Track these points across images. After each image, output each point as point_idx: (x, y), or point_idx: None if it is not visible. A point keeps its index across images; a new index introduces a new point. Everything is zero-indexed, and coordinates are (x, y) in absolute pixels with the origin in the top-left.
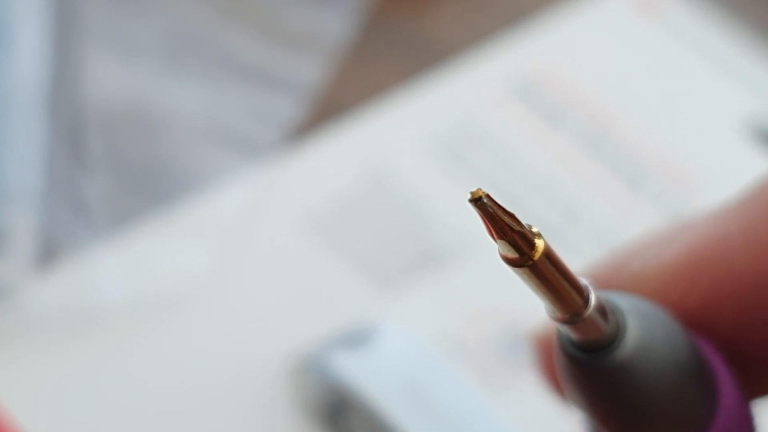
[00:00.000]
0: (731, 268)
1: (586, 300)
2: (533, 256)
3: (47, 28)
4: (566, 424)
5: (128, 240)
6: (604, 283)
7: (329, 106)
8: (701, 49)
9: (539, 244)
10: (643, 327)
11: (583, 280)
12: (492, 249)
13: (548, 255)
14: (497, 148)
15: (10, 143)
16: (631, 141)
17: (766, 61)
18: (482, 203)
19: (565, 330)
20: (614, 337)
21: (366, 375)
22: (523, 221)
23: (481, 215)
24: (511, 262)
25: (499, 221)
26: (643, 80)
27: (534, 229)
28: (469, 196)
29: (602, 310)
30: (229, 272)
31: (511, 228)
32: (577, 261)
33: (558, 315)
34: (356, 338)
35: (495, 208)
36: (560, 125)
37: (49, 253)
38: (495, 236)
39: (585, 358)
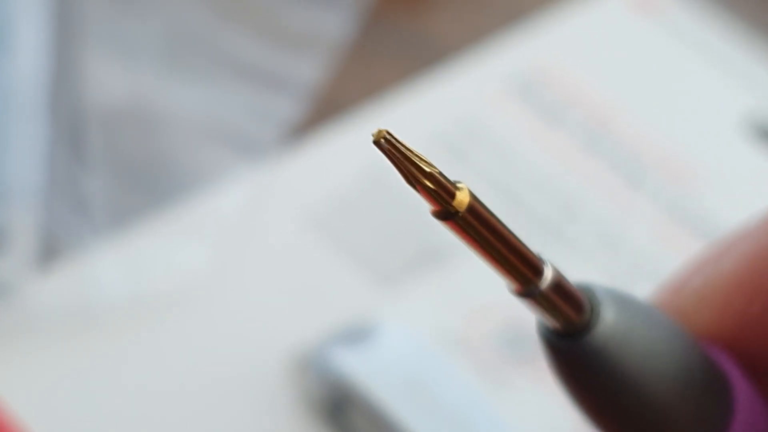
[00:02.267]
0: (756, 301)
1: (538, 271)
2: (456, 208)
3: (48, 27)
4: (566, 419)
5: (129, 238)
6: (668, 305)
7: (329, 105)
8: (699, 47)
9: (461, 195)
10: (622, 315)
11: (539, 253)
12: None
13: (473, 209)
14: (497, 146)
15: (11, 142)
16: (631, 138)
17: (764, 58)
18: (382, 145)
19: (529, 308)
20: (587, 322)
21: (367, 371)
22: (524, 217)
23: (389, 159)
24: (434, 214)
25: (407, 166)
26: (642, 78)
27: (460, 184)
28: (372, 135)
29: (566, 290)
30: (229, 270)
31: (424, 174)
32: (577, 257)
33: (513, 286)
34: (357, 335)
35: (402, 150)
36: (560, 123)
37: (50, 251)
38: (407, 182)
39: (559, 343)
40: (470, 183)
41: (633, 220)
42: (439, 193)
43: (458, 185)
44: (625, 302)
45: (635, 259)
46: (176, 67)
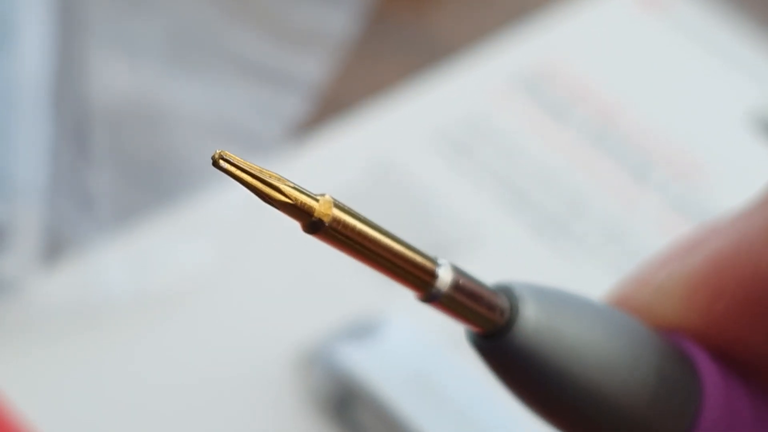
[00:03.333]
0: (757, 270)
1: (429, 272)
2: (320, 218)
3: (52, 25)
4: None
5: (133, 235)
6: (631, 298)
7: (334, 103)
8: (705, 43)
9: (321, 206)
10: (544, 311)
11: (435, 257)
12: (497, 242)
13: (339, 219)
14: (503, 143)
15: (16, 139)
16: (637, 134)
17: None
18: (222, 167)
19: (441, 313)
20: (506, 322)
21: (373, 367)
22: (525, 213)
23: (235, 180)
24: (303, 229)
25: (256, 186)
26: (648, 74)
27: (321, 196)
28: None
29: (475, 292)
30: (234, 267)
31: (277, 190)
32: (584, 253)
33: (414, 294)
34: (363, 330)
35: (245, 169)
36: (565, 120)
37: (55, 248)
38: (264, 201)
39: (483, 344)
40: (476, 180)
41: (639, 216)
42: (297, 207)
43: (318, 197)
44: (548, 298)
45: (642, 255)
46: (181, 65)
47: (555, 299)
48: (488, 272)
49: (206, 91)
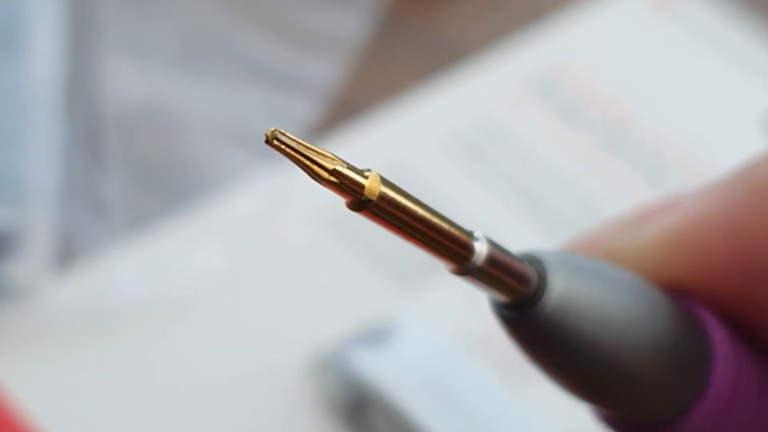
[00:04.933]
0: (707, 250)
1: (468, 248)
2: (367, 197)
3: (64, 29)
4: (588, 420)
5: (146, 240)
6: (602, 246)
7: (346, 106)
8: (718, 45)
9: (370, 183)
10: (573, 281)
11: (471, 230)
12: (510, 245)
13: (386, 196)
14: (516, 146)
15: (28, 144)
16: (650, 137)
17: None
18: (276, 144)
19: (472, 285)
20: (534, 292)
21: (387, 372)
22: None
23: (287, 158)
24: (348, 206)
25: (307, 164)
26: (661, 76)
27: (368, 172)
28: (265, 137)
29: (506, 263)
30: (247, 271)
31: (326, 169)
32: None
33: (448, 267)
34: (377, 336)
35: (297, 147)
36: (579, 122)
37: (68, 253)
38: (312, 179)
39: (510, 316)
40: (489, 183)
41: None
42: (346, 185)
43: (366, 173)
44: (574, 267)
45: None
46: (193, 69)
47: (580, 268)
48: None
49: (219, 95)
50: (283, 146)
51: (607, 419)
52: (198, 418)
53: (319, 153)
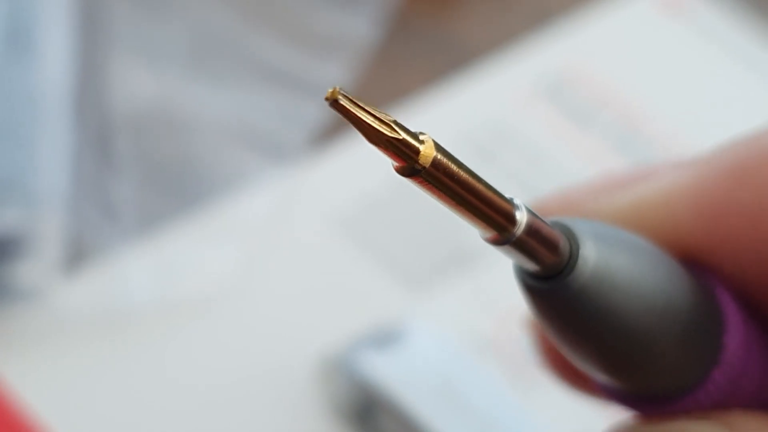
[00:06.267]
0: (676, 226)
1: (511, 218)
2: (422, 164)
3: (74, 32)
4: (599, 422)
5: (157, 242)
6: (585, 205)
7: None
8: (728, 47)
9: (426, 149)
10: (604, 253)
11: (511, 198)
12: None
13: (439, 162)
14: (526, 148)
15: (39, 146)
16: (660, 139)
17: None
18: (340, 104)
19: (504, 253)
20: (566, 263)
21: (395, 374)
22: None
23: (348, 119)
24: (398, 170)
25: (365, 125)
26: (671, 78)
27: (423, 136)
28: (326, 95)
29: (541, 233)
30: (257, 273)
31: (384, 132)
32: None
33: (487, 235)
34: (386, 338)
35: (360, 107)
36: (589, 124)
37: (78, 255)
38: (370, 141)
39: (539, 286)
40: (499, 184)
41: None
42: (402, 150)
43: (421, 137)
44: (608, 239)
45: None
46: (203, 71)
47: (608, 237)
48: (512, 277)
49: (228, 97)
50: (344, 105)
51: (621, 396)
52: (207, 420)
53: (379, 113)
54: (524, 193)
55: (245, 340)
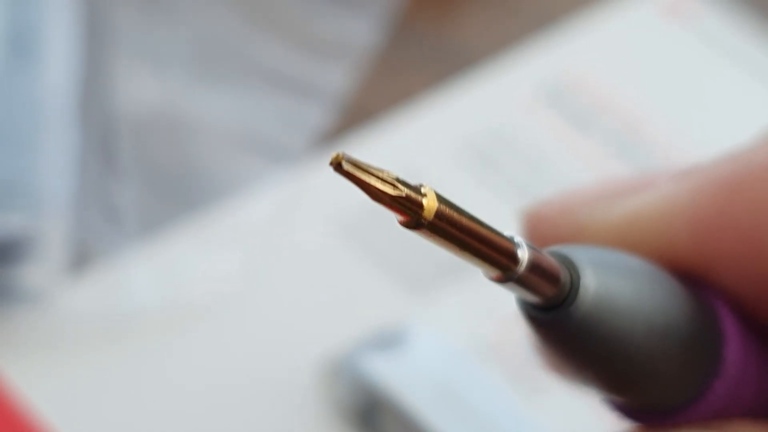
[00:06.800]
0: (673, 240)
1: (513, 257)
2: (426, 217)
3: (78, 36)
4: (600, 426)
5: (160, 246)
6: (545, 224)
7: (358, 113)
8: (730, 53)
9: (428, 202)
10: (604, 281)
11: (511, 236)
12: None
13: (442, 213)
14: (527, 154)
15: (43, 151)
16: (661, 145)
17: None
18: (343, 169)
19: (510, 291)
20: (567, 293)
21: (398, 377)
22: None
23: (352, 182)
24: (403, 224)
25: (371, 185)
26: (673, 84)
27: (424, 188)
28: (329, 160)
29: (542, 266)
30: (260, 277)
31: (385, 192)
32: None
33: (490, 275)
34: (388, 341)
35: (363, 169)
36: (590, 130)
37: (82, 259)
38: (374, 200)
39: (541, 317)
40: (500, 190)
41: None
42: (407, 206)
43: (423, 189)
44: (607, 266)
45: None
46: (206, 75)
47: (607, 263)
48: None
49: (232, 101)
50: (348, 169)
51: (623, 408)
52: (211, 423)
53: (381, 173)
54: (525, 198)
55: (248, 343)
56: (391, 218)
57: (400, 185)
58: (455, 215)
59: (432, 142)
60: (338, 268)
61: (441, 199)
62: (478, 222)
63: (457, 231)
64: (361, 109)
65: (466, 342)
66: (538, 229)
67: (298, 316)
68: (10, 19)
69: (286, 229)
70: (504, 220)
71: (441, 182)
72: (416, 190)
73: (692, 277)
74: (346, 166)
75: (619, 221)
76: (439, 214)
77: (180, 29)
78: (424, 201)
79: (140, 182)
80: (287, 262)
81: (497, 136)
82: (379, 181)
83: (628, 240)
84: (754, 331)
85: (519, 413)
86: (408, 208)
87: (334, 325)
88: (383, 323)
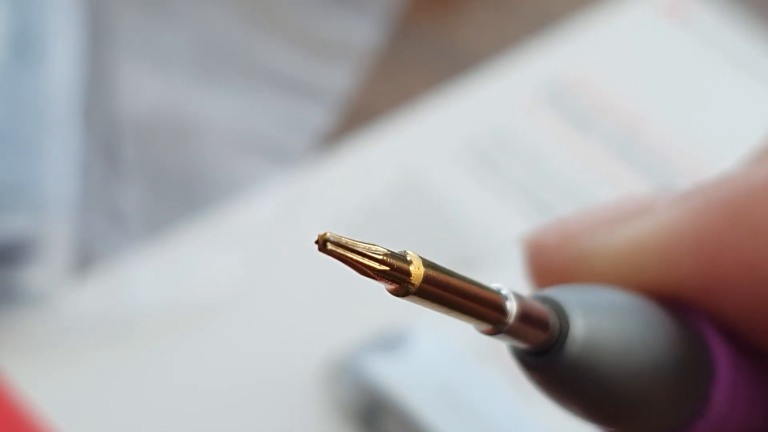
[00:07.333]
0: (673, 267)
1: (502, 310)
2: (412, 283)
3: (81, 38)
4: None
5: (163, 247)
6: (546, 252)
7: (360, 114)
8: (730, 53)
9: (415, 269)
10: (593, 322)
11: (498, 288)
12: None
13: (430, 278)
14: (528, 154)
15: (46, 153)
16: (662, 146)
17: None
18: (329, 249)
19: (501, 341)
20: (557, 338)
21: (400, 378)
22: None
23: (340, 261)
24: (393, 293)
25: (355, 263)
26: (673, 85)
27: (409, 256)
28: (315, 240)
29: (531, 315)
30: (263, 278)
31: (374, 267)
32: None
33: (481, 328)
34: (390, 342)
35: (349, 246)
36: (590, 131)
37: (85, 260)
38: (363, 275)
39: (533, 362)
40: (501, 191)
41: None
42: (394, 276)
43: (407, 258)
44: (596, 307)
45: None
46: (209, 77)
47: (594, 304)
48: (514, 283)
49: (234, 102)
50: (334, 248)
51: None
52: (213, 424)
53: (367, 248)
54: (527, 200)
55: (251, 345)
56: (392, 219)
57: (385, 257)
58: (442, 277)
59: (433, 143)
60: (340, 269)
61: (427, 263)
62: (465, 279)
63: (445, 292)
64: (363, 110)
65: (467, 343)
66: (539, 257)
67: (301, 317)
68: (14, 21)
69: (289, 230)
70: (504, 220)
71: (442, 183)
72: (401, 258)
73: (689, 306)
74: (331, 246)
75: (621, 247)
76: (426, 279)
77: (182, 31)
78: (411, 268)
79: (143, 184)
80: (290, 263)
81: (498, 137)
82: (365, 257)
83: (631, 266)
84: (750, 356)
85: (520, 414)
86: (395, 278)
87: (337, 326)
88: (385, 325)
